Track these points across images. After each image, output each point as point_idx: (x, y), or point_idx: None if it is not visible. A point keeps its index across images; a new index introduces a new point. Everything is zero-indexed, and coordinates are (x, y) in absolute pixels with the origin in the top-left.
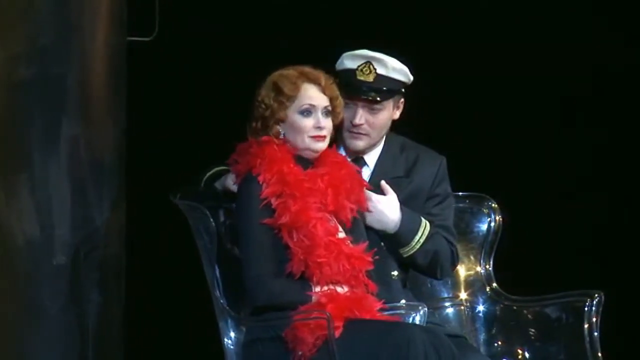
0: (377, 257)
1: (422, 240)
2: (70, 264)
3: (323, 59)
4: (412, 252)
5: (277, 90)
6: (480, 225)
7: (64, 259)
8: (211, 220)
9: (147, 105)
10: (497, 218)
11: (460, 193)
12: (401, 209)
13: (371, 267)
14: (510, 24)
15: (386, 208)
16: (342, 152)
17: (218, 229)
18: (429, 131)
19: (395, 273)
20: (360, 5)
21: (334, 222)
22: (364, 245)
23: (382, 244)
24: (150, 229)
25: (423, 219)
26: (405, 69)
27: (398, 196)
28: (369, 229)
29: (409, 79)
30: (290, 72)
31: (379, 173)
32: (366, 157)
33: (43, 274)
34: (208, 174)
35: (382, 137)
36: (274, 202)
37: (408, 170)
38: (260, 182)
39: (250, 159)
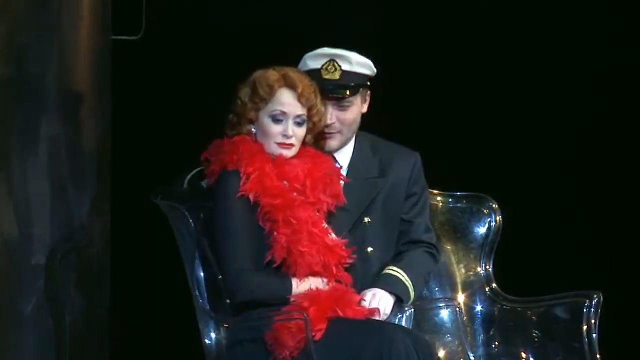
0: (354, 255)
1: (415, 294)
2: (49, 264)
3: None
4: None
5: (254, 89)
6: (481, 225)
7: (43, 259)
8: (190, 221)
9: (134, 104)
10: (498, 219)
11: (460, 193)
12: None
13: (346, 261)
14: (507, 22)
15: (383, 300)
16: None
17: (199, 228)
18: (429, 131)
19: None
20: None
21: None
22: (345, 241)
23: (371, 249)
24: (137, 230)
25: (401, 277)
26: (369, 62)
27: (377, 196)
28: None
29: (374, 72)
30: (273, 73)
31: (353, 173)
32: (338, 156)
33: (21, 274)
34: (192, 173)
35: (354, 135)
36: (252, 197)
37: (383, 170)
38: (242, 175)
39: (224, 157)
